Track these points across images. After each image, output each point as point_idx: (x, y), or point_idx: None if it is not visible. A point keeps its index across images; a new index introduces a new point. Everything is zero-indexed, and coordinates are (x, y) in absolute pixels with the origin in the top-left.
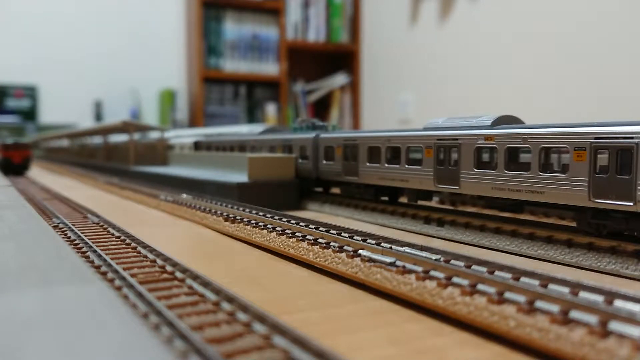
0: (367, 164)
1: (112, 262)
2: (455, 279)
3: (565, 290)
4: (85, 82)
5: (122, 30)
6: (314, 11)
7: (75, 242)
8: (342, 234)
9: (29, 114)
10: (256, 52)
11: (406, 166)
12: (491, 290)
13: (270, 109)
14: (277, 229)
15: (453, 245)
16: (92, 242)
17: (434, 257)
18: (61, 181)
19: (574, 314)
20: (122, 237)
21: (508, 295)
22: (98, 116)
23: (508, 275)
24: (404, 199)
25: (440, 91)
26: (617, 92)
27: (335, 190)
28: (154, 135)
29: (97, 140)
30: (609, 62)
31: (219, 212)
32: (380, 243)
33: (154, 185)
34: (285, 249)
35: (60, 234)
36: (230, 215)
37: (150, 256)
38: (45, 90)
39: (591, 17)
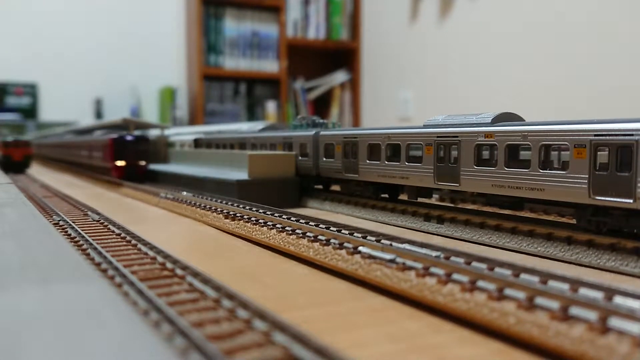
0: (367, 162)
1: (113, 260)
2: (455, 276)
3: (565, 286)
4: (85, 79)
5: (122, 28)
6: (314, 8)
7: (75, 240)
8: (342, 231)
9: (29, 112)
10: (256, 49)
11: (406, 163)
12: (491, 287)
13: (270, 107)
14: (277, 226)
15: (453, 243)
16: (93, 240)
17: (434, 254)
18: (61, 178)
19: (574, 311)
20: (123, 235)
21: (508, 292)
22: (98, 114)
23: (508, 272)
24: (404, 197)
25: (440, 89)
26: (617, 90)
27: (336, 187)
28: (154, 132)
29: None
30: (608, 60)
31: (219, 209)
32: (380, 240)
33: (154, 182)
34: (285, 246)
35: (61, 232)
36: (231, 213)
37: (151, 253)
38: (46, 88)
39: (591, 17)
